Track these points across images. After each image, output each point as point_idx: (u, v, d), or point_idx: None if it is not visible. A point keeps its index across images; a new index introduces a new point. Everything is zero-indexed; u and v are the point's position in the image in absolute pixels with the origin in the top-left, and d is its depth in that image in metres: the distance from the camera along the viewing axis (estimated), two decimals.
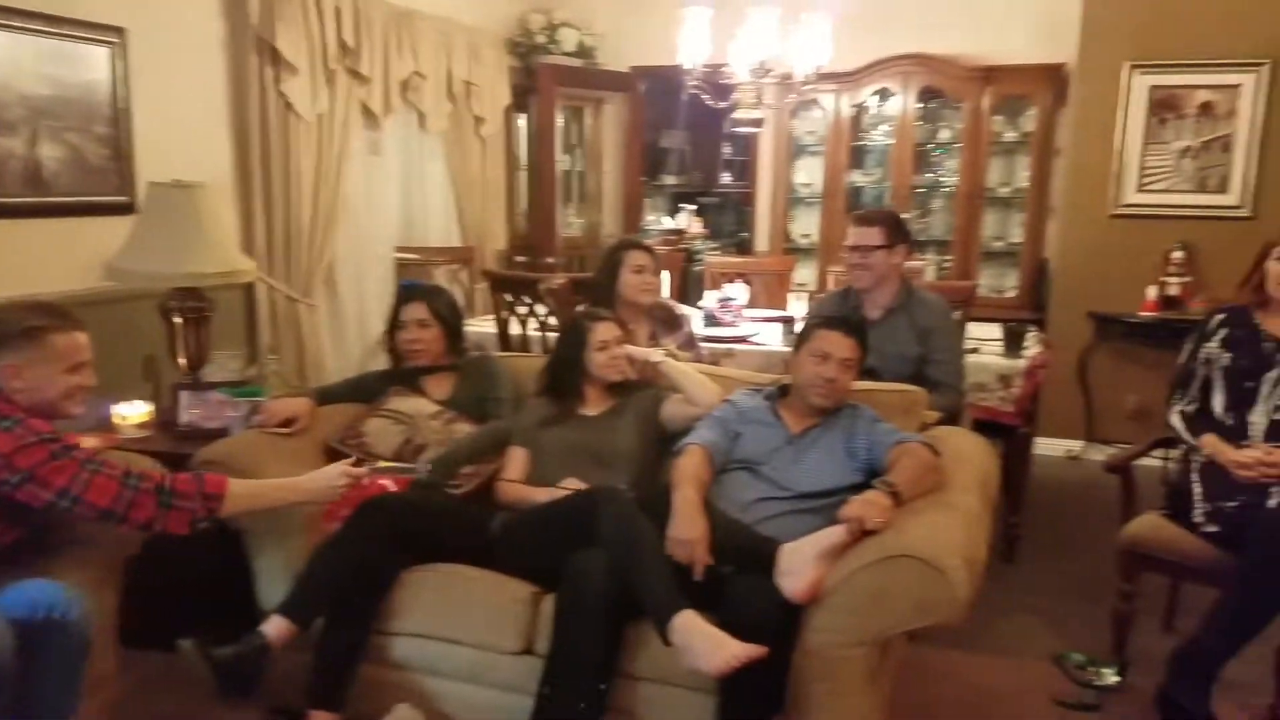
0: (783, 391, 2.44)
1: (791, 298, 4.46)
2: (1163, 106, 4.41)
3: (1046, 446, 4.53)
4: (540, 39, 5.37)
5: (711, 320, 3.84)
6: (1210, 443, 2.53)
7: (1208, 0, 4.25)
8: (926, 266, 5.04)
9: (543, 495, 2.35)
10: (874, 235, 2.97)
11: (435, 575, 2.26)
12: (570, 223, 5.89)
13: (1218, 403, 2.60)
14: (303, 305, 3.86)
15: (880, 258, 2.97)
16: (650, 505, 2.10)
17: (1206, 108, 4.34)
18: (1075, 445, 4.74)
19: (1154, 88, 4.40)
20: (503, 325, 3.82)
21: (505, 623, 2.15)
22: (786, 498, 2.22)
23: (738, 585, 1.96)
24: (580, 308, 3.06)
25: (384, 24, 4.11)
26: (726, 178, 7.16)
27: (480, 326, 3.99)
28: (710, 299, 4.04)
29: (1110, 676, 2.59)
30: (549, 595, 2.12)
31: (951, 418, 2.95)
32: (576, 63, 5.49)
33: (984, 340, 3.54)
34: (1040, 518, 3.76)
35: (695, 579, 2.00)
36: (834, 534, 1.97)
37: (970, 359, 3.33)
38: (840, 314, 2.87)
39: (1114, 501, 2.78)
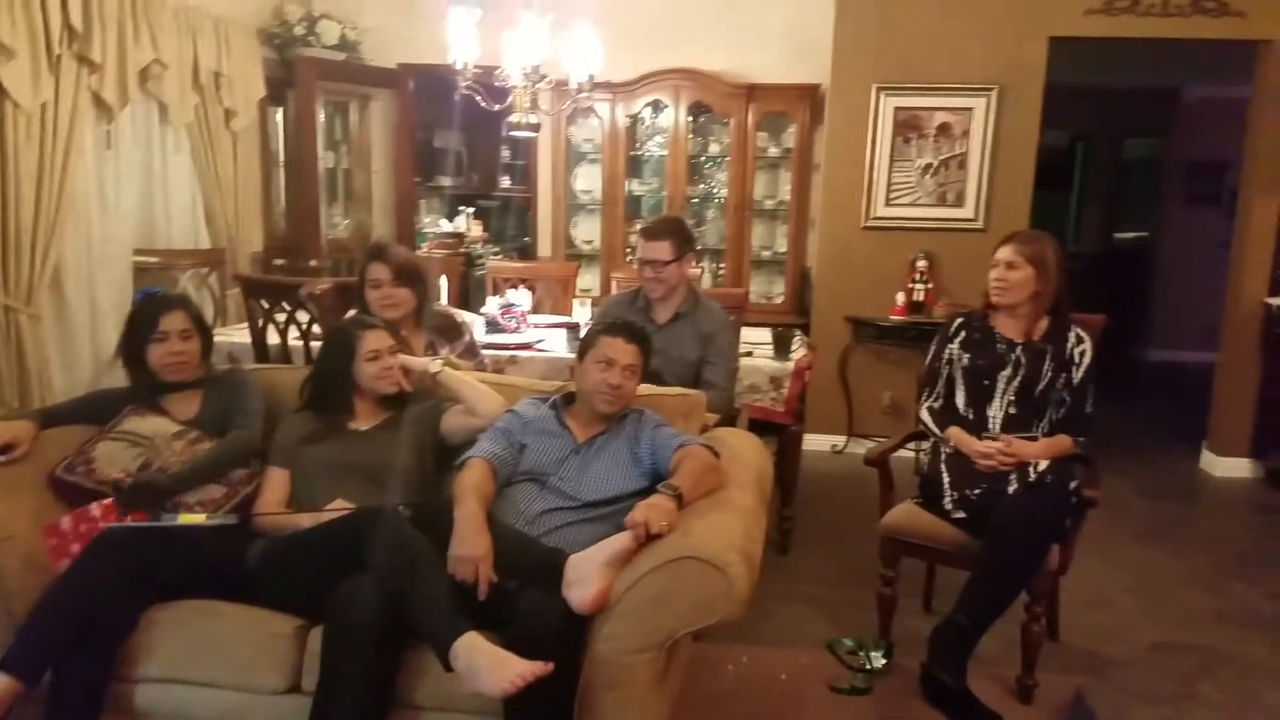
0: (568, 399, 2.40)
1: (576, 303, 4.44)
2: (906, 126, 4.81)
3: (814, 442, 4.80)
4: (299, 30, 5.06)
5: (494, 327, 3.74)
6: (956, 435, 2.76)
7: (943, 30, 4.68)
8: (702, 274, 5.22)
9: (307, 520, 2.16)
10: (664, 249, 3.07)
11: (183, 612, 2.04)
12: (336, 223, 5.57)
13: (960, 399, 2.83)
14: (24, 315, 3.43)
15: (672, 270, 3.10)
16: (430, 523, 1.99)
17: (944, 128, 4.78)
18: (839, 440, 5.06)
19: (898, 109, 4.79)
20: (259, 335, 3.51)
21: (266, 660, 1.96)
22: (574, 507, 2.17)
23: (524, 601, 1.89)
24: (351, 314, 2.86)
25: (118, 7, 3.72)
26: (506, 181, 7.07)
27: (233, 336, 3.67)
28: (493, 305, 3.94)
29: (878, 659, 2.74)
30: (318, 628, 1.95)
31: (729, 418, 3.05)
32: (339, 56, 5.21)
33: (756, 344, 3.69)
34: (811, 509, 3.97)
35: (480, 598, 1.91)
36: (620, 541, 1.95)
37: (744, 362, 3.46)
38: (629, 316, 2.89)
39: (876, 492, 2.96)
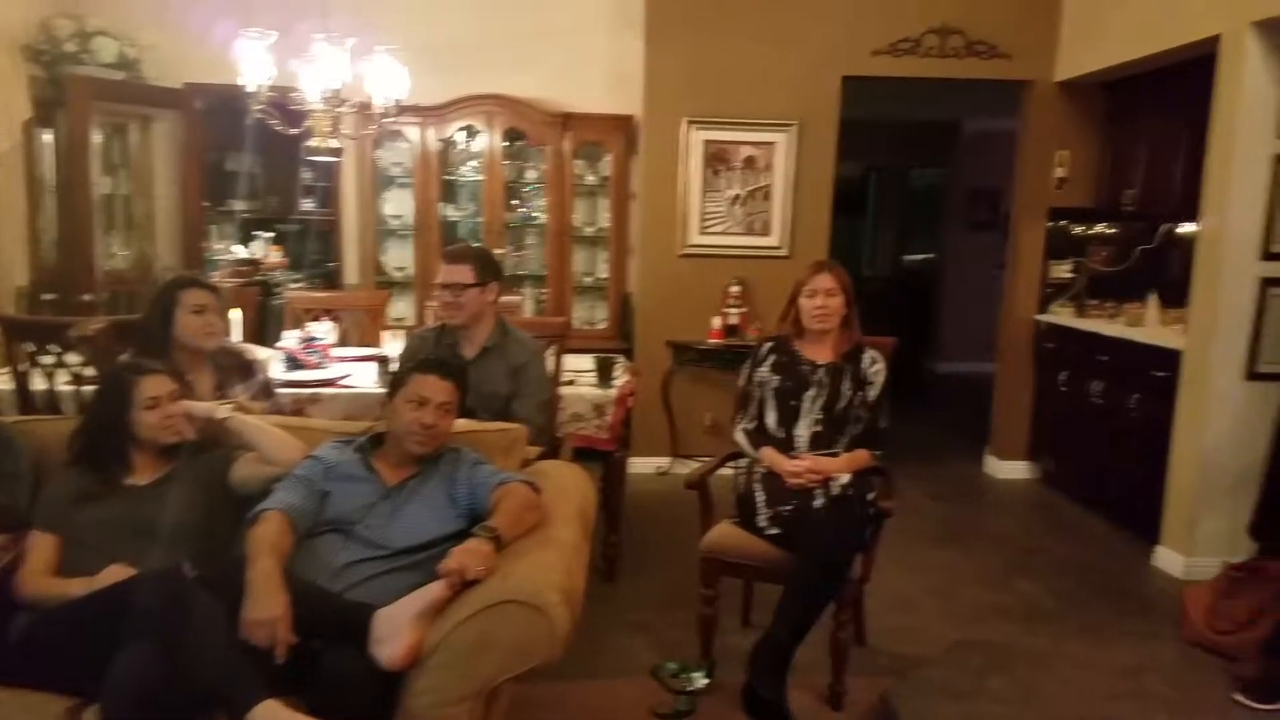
0: (376, 441, 2.28)
1: (386, 334, 4.27)
2: (716, 159, 4.97)
3: (640, 465, 4.85)
4: (70, 48, 4.63)
5: (294, 363, 3.52)
6: (768, 455, 2.86)
7: (747, 68, 4.88)
8: (524, 300, 5.17)
9: (78, 587, 1.94)
10: (465, 273, 2.93)
11: None
12: (114, 254, 5.10)
13: (771, 419, 2.94)
14: None
15: (472, 296, 2.94)
16: (221, 584, 1.83)
17: (750, 161, 4.97)
18: (663, 462, 5.13)
19: (708, 141, 4.95)
20: (22, 381, 3.15)
21: None
22: (383, 556, 2.06)
23: (327, 661, 1.77)
24: (123, 357, 2.62)
25: None
26: (308, 204, 6.65)
27: None
28: (291, 338, 3.72)
29: (700, 680, 2.77)
30: (94, 706, 1.75)
31: (551, 451, 3.01)
32: (118, 75, 4.81)
33: (579, 372, 3.67)
34: (637, 534, 3.98)
35: (278, 662, 1.77)
36: (432, 591, 1.87)
37: (567, 391, 3.44)
38: (436, 354, 2.79)
39: (699, 512, 3.00)
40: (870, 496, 2.79)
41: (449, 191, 5.44)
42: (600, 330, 5.39)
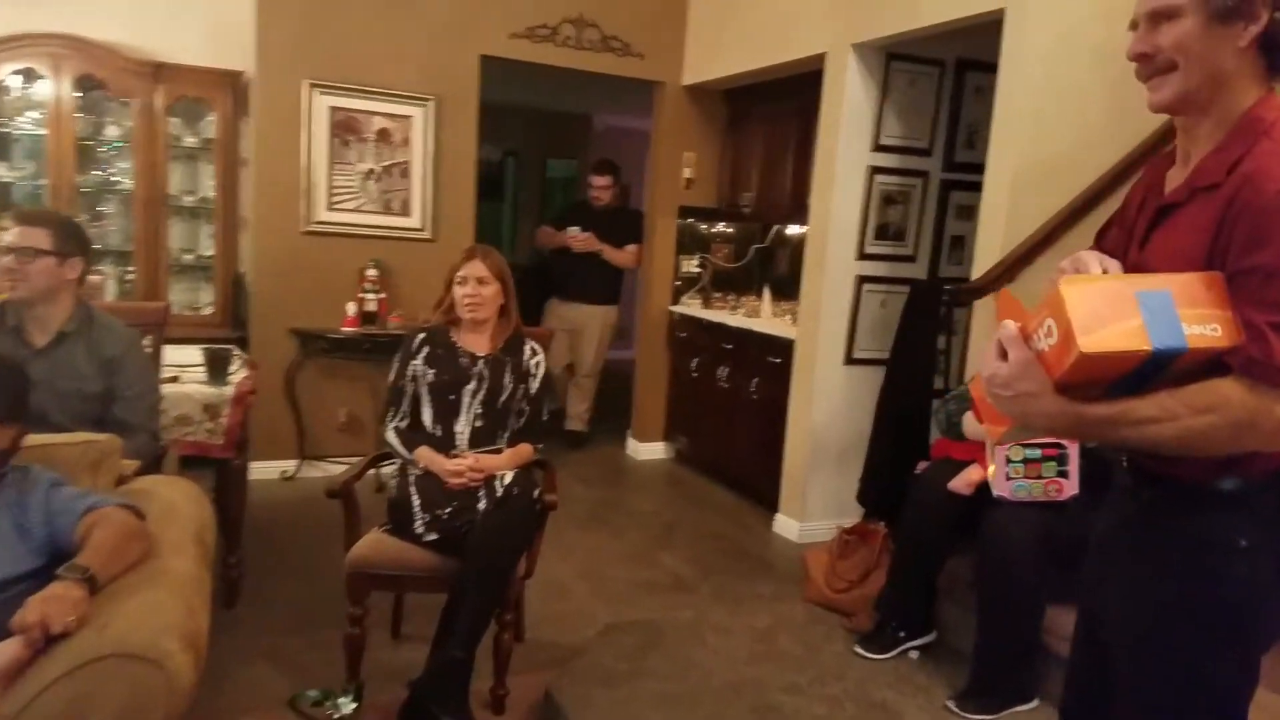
0: None
1: None
2: (344, 128, 4.56)
3: (259, 470, 4.31)
4: None
5: None
6: (424, 455, 2.64)
7: (378, 34, 4.53)
8: (106, 281, 4.33)
9: None
10: (39, 237, 2.37)
11: None
12: None
13: (427, 416, 2.72)
14: None
15: (45, 266, 2.39)
16: None
17: (384, 134, 4.63)
18: (289, 465, 4.62)
19: (334, 109, 4.52)
20: None
21: None
22: None
23: None
24: None
25: None
26: None
27: None
28: None
29: (347, 705, 2.51)
30: None
31: (154, 464, 2.52)
32: None
33: (184, 367, 3.13)
34: (261, 550, 3.52)
35: None
36: (4, 652, 1.47)
37: (171, 390, 2.91)
38: None
39: (335, 519, 2.70)
40: (536, 493, 2.69)
41: (1, 147, 4.39)
42: (206, 317, 4.69)
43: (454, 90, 4.70)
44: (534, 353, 2.84)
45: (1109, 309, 1.15)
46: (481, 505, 2.56)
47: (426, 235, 4.75)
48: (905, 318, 3.40)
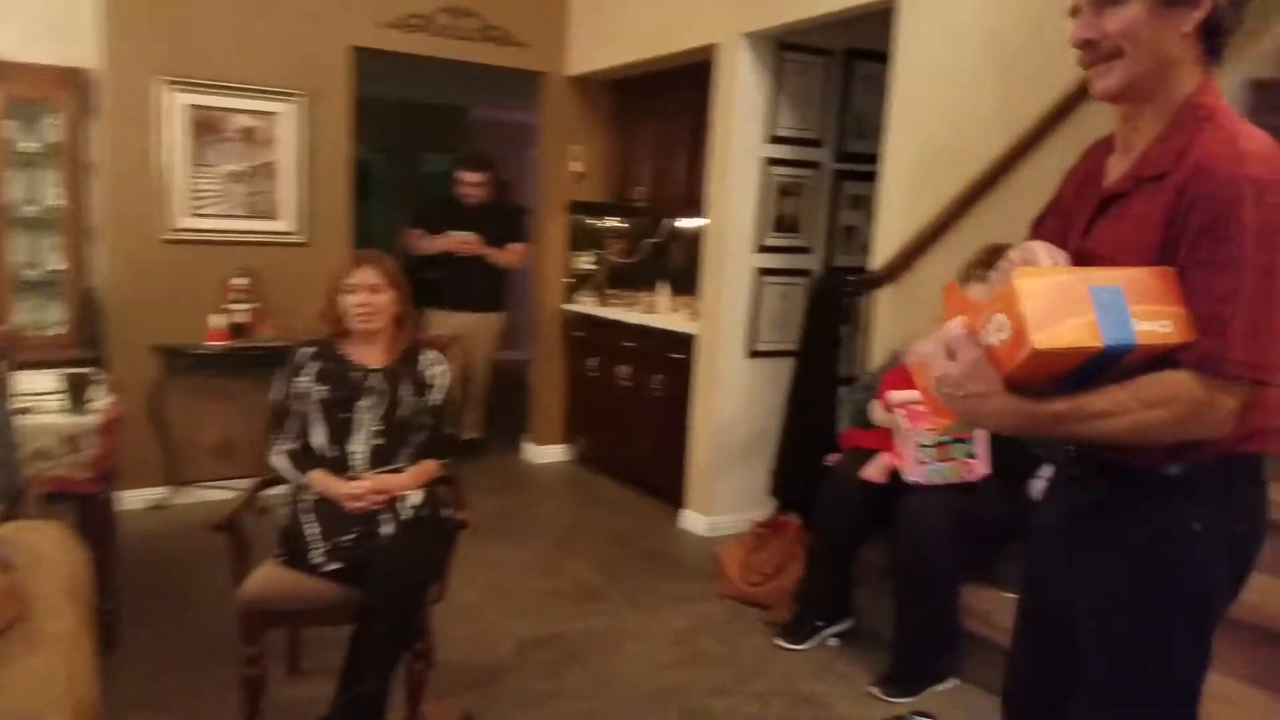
0: None
1: None
2: (204, 128, 4.23)
3: (126, 500, 3.96)
4: None
5: None
6: (318, 479, 2.45)
7: (237, 24, 4.21)
8: None
9: None
10: None
11: None
12: None
13: (319, 437, 2.52)
14: None
15: None
16: None
17: (248, 133, 4.32)
18: (158, 493, 4.27)
19: (194, 107, 4.19)
20: None
21: None
22: None
23: None
24: None
25: None
26: None
27: None
28: None
29: None
30: None
31: (15, 505, 2.24)
32: None
33: (39, 395, 2.81)
34: (136, 588, 3.22)
35: None
36: None
37: (26, 422, 2.60)
38: None
39: (217, 550, 2.49)
40: (445, 511, 2.54)
41: None
42: (55, 337, 4.25)
43: (324, 84, 4.43)
44: (434, 361, 2.68)
45: (1062, 304, 1.14)
46: (386, 530, 2.39)
47: (300, 239, 4.46)
48: (810, 309, 3.40)
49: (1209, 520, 1.26)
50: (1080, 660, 1.35)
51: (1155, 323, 1.15)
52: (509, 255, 5.00)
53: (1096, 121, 3.27)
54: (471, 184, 4.94)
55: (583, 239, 5.23)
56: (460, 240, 4.89)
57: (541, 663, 2.95)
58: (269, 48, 4.30)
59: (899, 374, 2.86)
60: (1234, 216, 1.12)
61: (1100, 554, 1.33)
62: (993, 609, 2.71)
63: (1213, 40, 1.21)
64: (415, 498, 2.48)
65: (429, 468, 2.58)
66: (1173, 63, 1.22)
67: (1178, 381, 1.15)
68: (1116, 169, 1.32)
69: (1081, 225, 1.33)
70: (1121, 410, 1.15)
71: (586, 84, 5.08)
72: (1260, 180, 1.13)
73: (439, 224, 4.96)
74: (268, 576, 2.37)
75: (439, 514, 2.52)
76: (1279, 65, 3.78)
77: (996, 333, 1.17)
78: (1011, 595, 2.73)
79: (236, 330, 4.27)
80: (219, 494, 4.14)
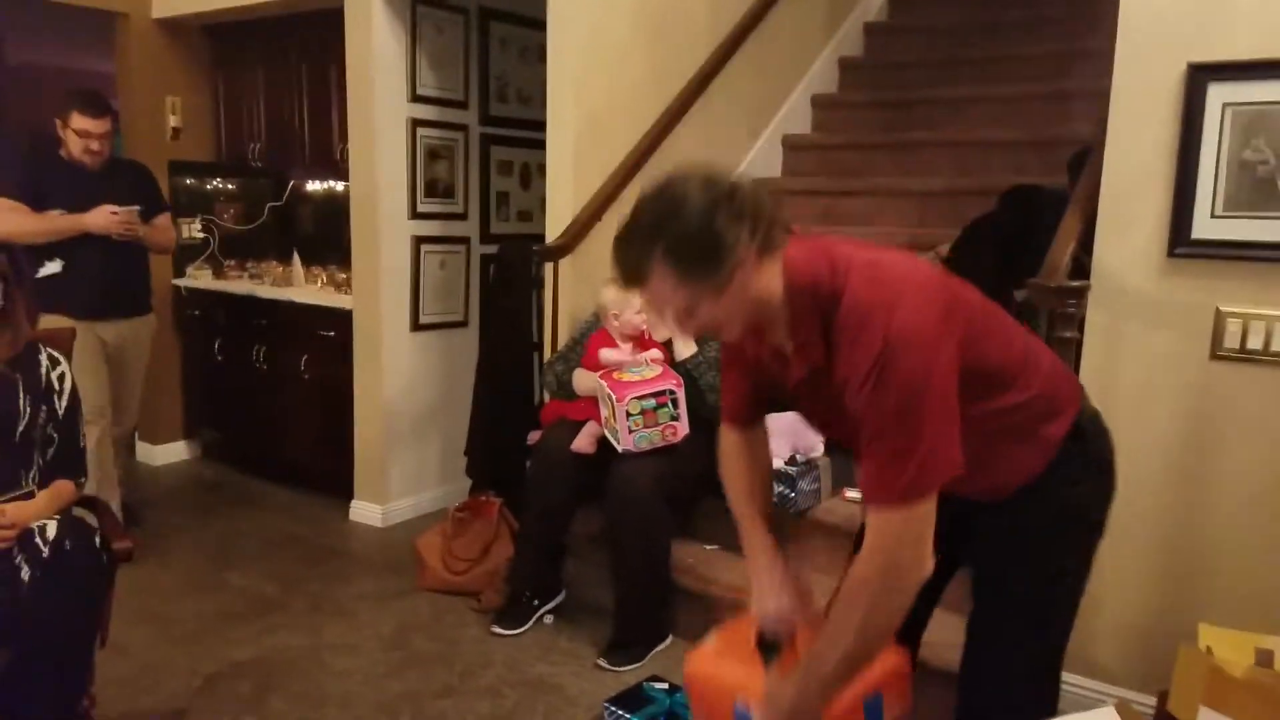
0: None
1: None
2: None
3: None
4: None
5: None
6: None
7: None
8: None
9: None
10: None
11: None
12: None
13: None
14: None
15: None
16: None
17: None
18: None
19: None
20: None
21: None
22: None
23: None
24: None
25: None
26: None
27: None
28: None
29: None
30: None
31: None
32: None
33: None
34: None
35: None
36: None
37: None
38: None
39: None
40: (97, 540, 2.11)
41: None
42: None
43: None
44: (55, 363, 2.20)
45: None
46: (27, 574, 1.92)
47: None
48: (494, 280, 3.29)
49: (1085, 473, 1.47)
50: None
51: None
52: (162, 233, 3.65)
53: (738, 87, 3.64)
54: (99, 136, 3.36)
55: (189, 203, 4.51)
56: (116, 218, 3.37)
57: (237, 695, 2.60)
58: None
59: (601, 336, 2.92)
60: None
61: (1010, 542, 1.49)
62: (698, 562, 2.92)
63: (768, 238, 1.30)
64: (53, 528, 2.03)
65: (64, 490, 2.16)
66: (760, 287, 1.32)
67: (852, 578, 1.33)
68: (777, 342, 1.42)
69: (789, 393, 1.47)
70: (832, 644, 1.32)
71: (178, 29, 4.35)
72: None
73: (60, 194, 3.35)
74: None
75: (90, 545, 2.09)
76: (863, 44, 4.43)
77: None
78: (712, 547, 2.99)
79: None
80: None
